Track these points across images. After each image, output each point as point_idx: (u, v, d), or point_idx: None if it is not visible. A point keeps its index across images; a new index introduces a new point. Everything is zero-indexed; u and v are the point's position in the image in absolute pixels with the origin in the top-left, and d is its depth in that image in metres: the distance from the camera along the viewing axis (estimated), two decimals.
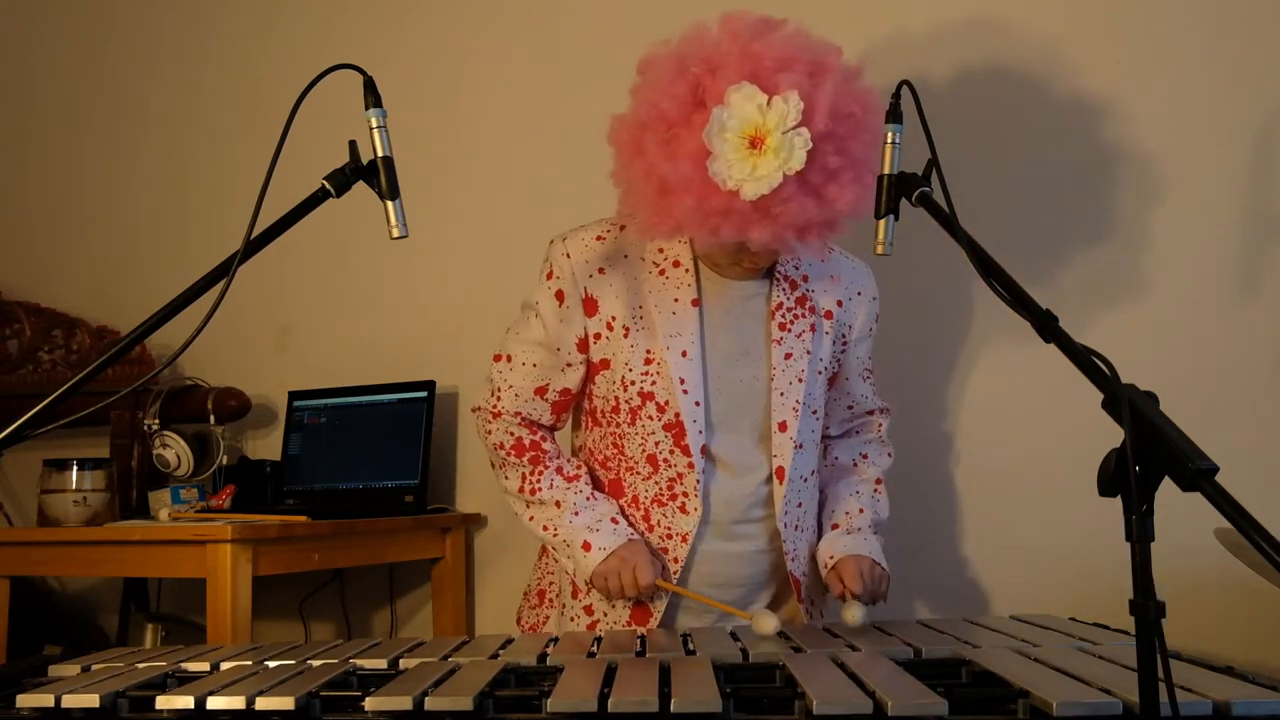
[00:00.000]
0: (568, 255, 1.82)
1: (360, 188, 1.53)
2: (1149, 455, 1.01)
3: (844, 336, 1.89)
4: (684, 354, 1.77)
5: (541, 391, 1.86)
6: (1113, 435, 1.03)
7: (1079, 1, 2.27)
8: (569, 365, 1.85)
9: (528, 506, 1.87)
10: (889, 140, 1.55)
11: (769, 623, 1.59)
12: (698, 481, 1.77)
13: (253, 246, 1.45)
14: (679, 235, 1.69)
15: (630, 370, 1.79)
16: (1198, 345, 2.16)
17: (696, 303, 1.79)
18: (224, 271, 1.43)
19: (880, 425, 2.01)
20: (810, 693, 1.14)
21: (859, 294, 1.90)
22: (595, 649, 1.49)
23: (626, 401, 1.80)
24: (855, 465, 1.98)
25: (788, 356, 1.81)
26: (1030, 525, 2.27)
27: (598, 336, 1.82)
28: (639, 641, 1.53)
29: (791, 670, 1.27)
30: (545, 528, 1.84)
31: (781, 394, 1.80)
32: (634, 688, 1.18)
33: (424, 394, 2.72)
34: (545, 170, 2.72)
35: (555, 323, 1.83)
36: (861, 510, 1.90)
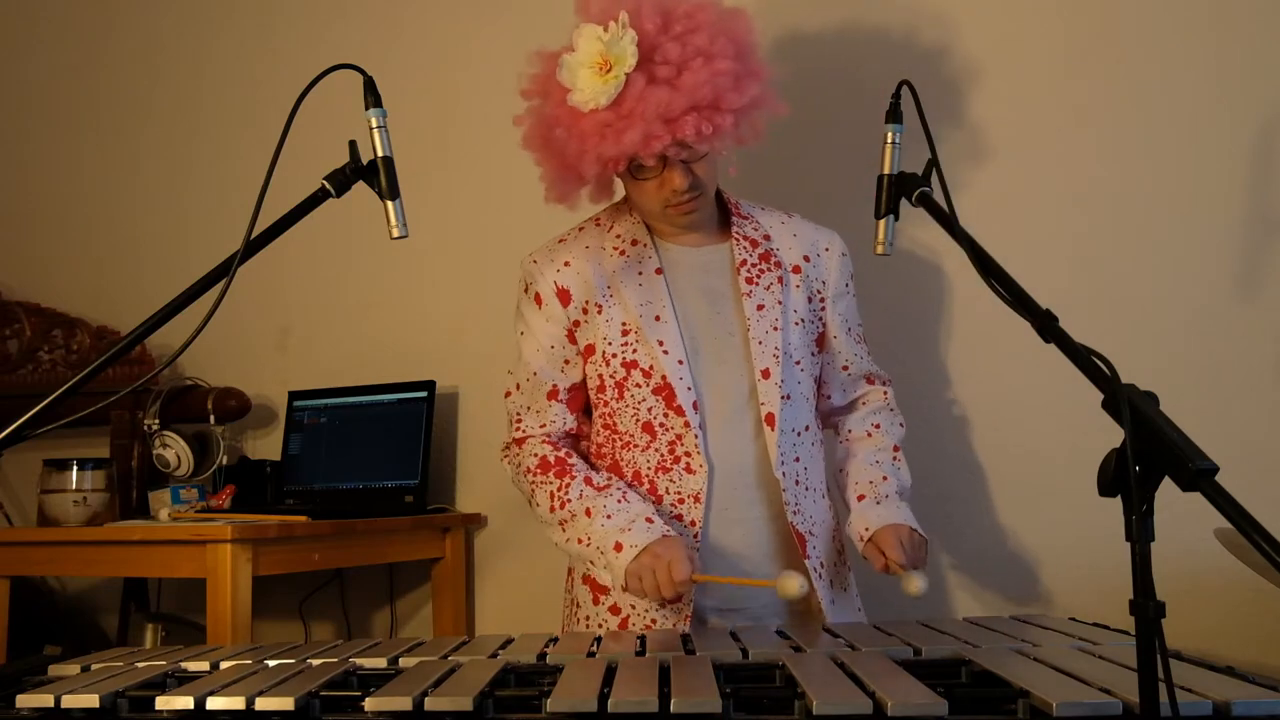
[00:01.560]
0: (535, 261, 1.90)
1: (360, 188, 1.53)
2: (1149, 455, 1.01)
3: (819, 292, 1.92)
4: (657, 318, 1.82)
5: (554, 395, 1.90)
6: (1113, 435, 1.03)
7: (1078, 1, 2.27)
8: (568, 362, 1.89)
9: (561, 527, 1.82)
10: (889, 140, 1.55)
11: (793, 582, 1.60)
12: (697, 437, 1.79)
13: (253, 246, 1.45)
14: (582, 180, 1.80)
15: (610, 344, 1.84)
16: (1198, 345, 2.16)
17: (660, 271, 1.86)
18: (224, 271, 1.43)
19: (885, 394, 2.00)
20: (810, 693, 1.14)
21: (826, 250, 1.94)
22: (595, 649, 1.49)
23: (611, 376, 1.84)
24: (870, 435, 1.97)
25: (760, 308, 1.84)
26: (1030, 525, 2.27)
27: (578, 324, 1.87)
28: (639, 641, 1.53)
29: (791, 670, 1.27)
30: (580, 541, 1.78)
31: (760, 342, 1.83)
32: (634, 688, 1.18)
33: (424, 394, 2.72)
34: None
35: (543, 325, 1.88)
36: (885, 478, 1.90)
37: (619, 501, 1.77)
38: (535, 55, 1.82)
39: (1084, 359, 1.15)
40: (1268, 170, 2.12)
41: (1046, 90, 2.29)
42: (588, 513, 1.77)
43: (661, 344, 1.81)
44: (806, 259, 1.91)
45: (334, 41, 2.95)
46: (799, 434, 1.86)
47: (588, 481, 1.81)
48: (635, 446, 1.83)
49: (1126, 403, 1.03)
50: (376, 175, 1.52)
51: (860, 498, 1.89)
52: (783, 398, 1.82)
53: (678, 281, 1.86)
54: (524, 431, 1.90)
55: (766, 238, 1.90)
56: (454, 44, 2.86)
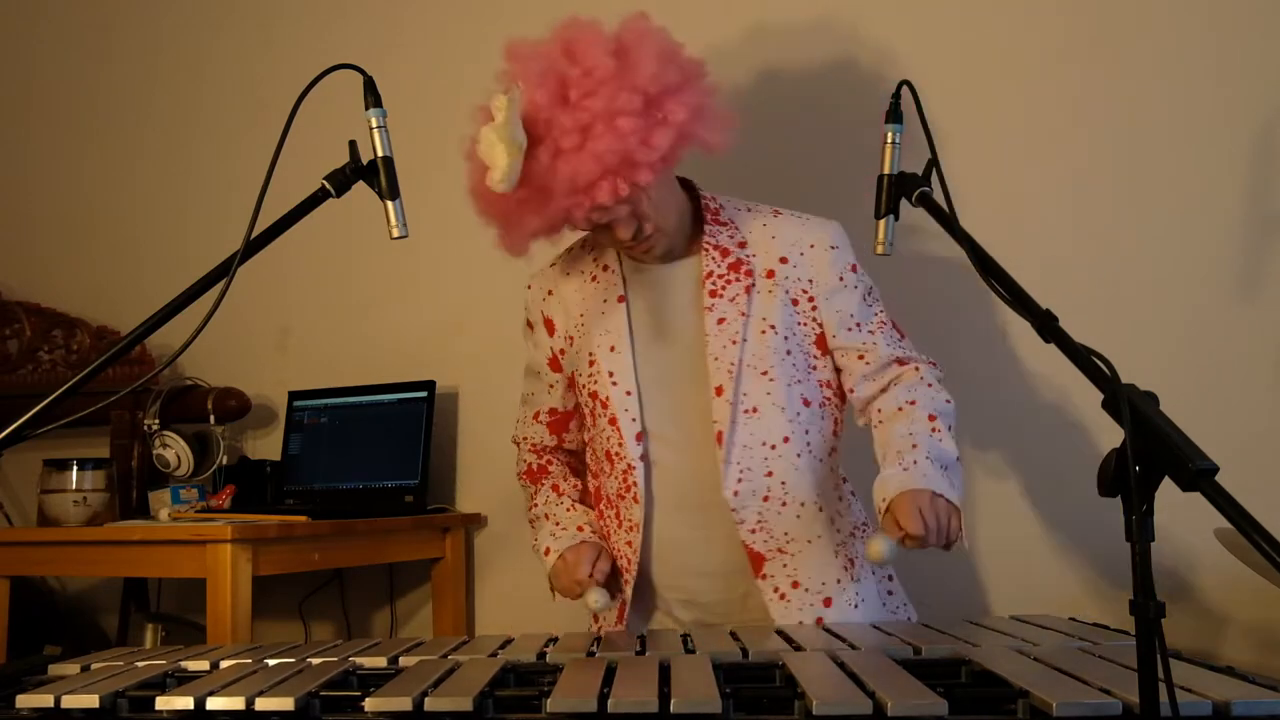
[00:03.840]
0: (530, 288, 1.97)
1: (360, 188, 1.53)
2: (1149, 455, 1.01)
3: (806, 293, 1.82)
4: (612, 348, 1.84)
5: (536, 416, 2.01)
6: (1113, 435, 1.03)
7: (1077, 1, 2.27)
8: (551, 386, 1.97)
9: (534, 529, 1.97)
10: (889, 140, 1.55)
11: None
12: (635, 469, 1.81)
13: (253, 246, 1.46)
14: (526, 247, 1.78)
15: (580, 375, 1.89)
16: (1198, 345, 2.16)
17: (622, 299, 1.86)
18: (224, 271, 1.43)
19: (919, 370, 1.82)
20: (810, 693, 1.14)
21: (810, 247, 1.83)
22: (595, 649, 1.49)
23: (586, 405, 1.90)
24: (902, 410, 1.77)
25: (720, 321, 1.79)
26: (1030, 525, 2.27)
27: (562, 352, 1.93)
28: (639, 641, 1.53)
29: (791, 670, 1.27)
30: (537, 548, 1.93)
31: (715, 358, 1.79)
32: (634, 688, 1.18)
33: (424, 394, 2.72)
34: None
35: (531, 349, 1.99)
36: (915, 445, 1.69)
37: (567, 511, 1.93)
38: (480, 110, 1.69)
39: (1084, 359, 1.15)
40: (1268, 170, 2.12)
41: (1046, 90, 2.29)
42: (546, 517, 1.94)
43: (611, 375, 1.82)
44: (784, 260, 1.82)
45: (334, 41, 2.95)
46: (772, 447, 1.78)
47: (554, 489, 1.97)
48: (605, 472, 1.88)
49: (1126, 403, 1.03)
50: (376, 175, 1.52)
51: (886, 465, 1.73)
52: (744, 411, 1.77)
53: (640, 307, 1.85)
54: (517, 438, 2.05)
55: (742, 244, 1.82)
56: (454, 43, 2.86)
